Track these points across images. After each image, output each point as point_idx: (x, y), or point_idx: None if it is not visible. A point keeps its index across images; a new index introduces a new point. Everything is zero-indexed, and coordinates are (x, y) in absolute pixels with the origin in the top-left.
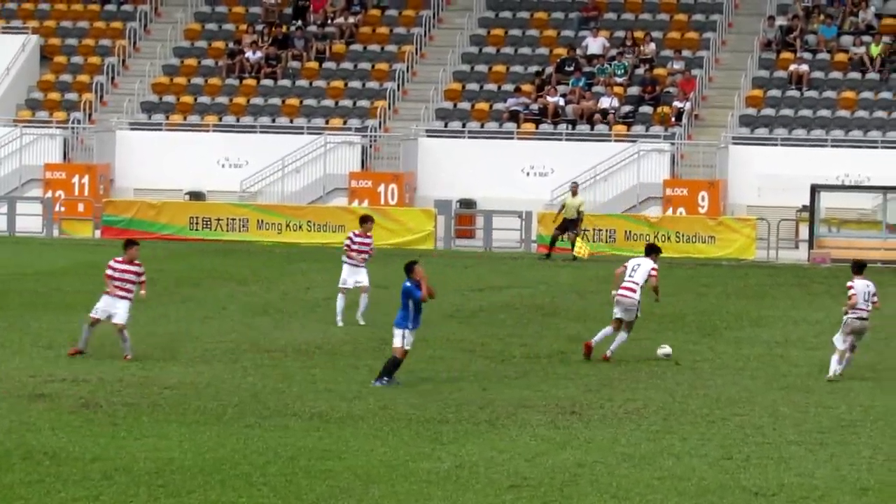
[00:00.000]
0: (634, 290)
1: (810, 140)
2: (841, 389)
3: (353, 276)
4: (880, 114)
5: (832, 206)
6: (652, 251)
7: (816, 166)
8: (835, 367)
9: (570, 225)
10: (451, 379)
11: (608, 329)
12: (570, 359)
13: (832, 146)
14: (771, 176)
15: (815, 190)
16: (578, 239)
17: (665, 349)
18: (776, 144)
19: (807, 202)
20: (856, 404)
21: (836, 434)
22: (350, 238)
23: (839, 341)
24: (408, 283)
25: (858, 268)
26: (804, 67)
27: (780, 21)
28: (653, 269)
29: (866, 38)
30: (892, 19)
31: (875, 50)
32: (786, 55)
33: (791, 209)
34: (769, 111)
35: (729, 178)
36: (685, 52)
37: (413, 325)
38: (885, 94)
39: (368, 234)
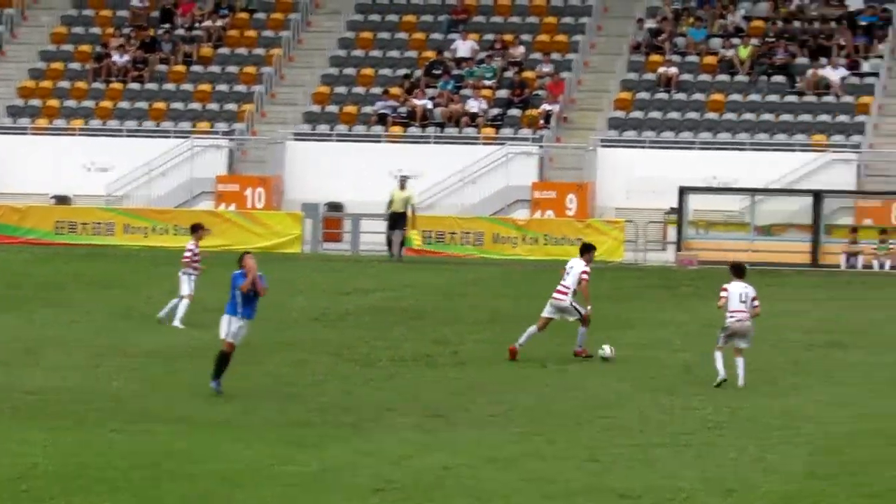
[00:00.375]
0: (565, 293)
1: (679, 142)
2: (708, 391)
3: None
4: (749, 116)
5: (700, 208)
6: (585, 251)
7: (685, 168)
8: (719, 368)
9: (398, 219)
10: (316, 382)
11: (533, 328)
12: (437, 361)
13: (700, 148)
14: (639, 178)
15: (683, 192)
16: (414, 232)
17: (605, 351)
18: (644, 147)
19: (675, 204)
20: (722, 406)
21: (703, 436)
22: (192, 250)
23: (719, 339)
24: (236, 272)
25: (736, 271)
26: (673, 70)
27: (650, 24)
28: (584, 272)
29: (735, 41)
30: (761, 21)
31: (744, 52)
32: (655, 58)
33: (659, 211)
34: (638, 114)
35: (597, 180)
36: (554, 55)
37: (242, 313)
38: (754, 97)
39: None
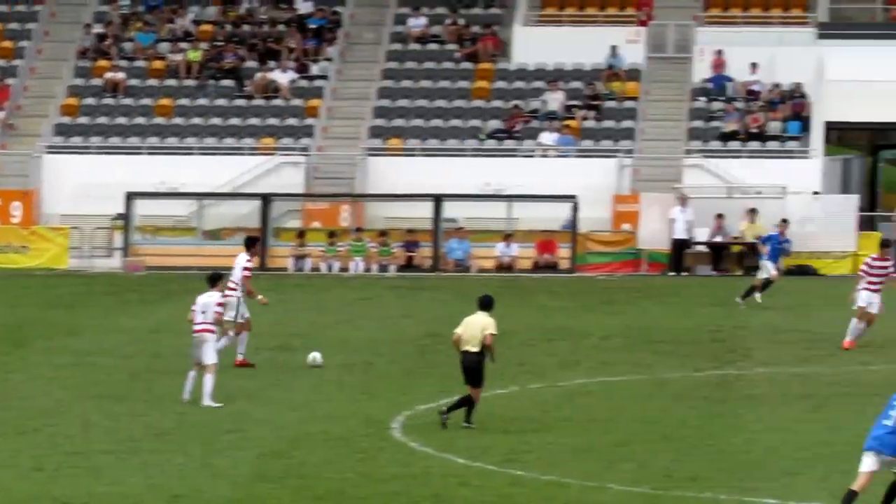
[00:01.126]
0: (233, 289)
1: (126, 148)
2: (154, 397)
3: None
4: (197, 120)
5: (148, 213)
6: (249, 244)
7: (133, 174)
8: (185, 392)
9: None
10: None
11: (243, 335)
12: None
13: (148, 153)
14: (86, 184)
15: (129, 197)
16: None
17: (314, 359)
18: (91, 153)
19: (122, 210)
20: (169, 412)
21: (149, 442)
22: None
23: (190, 355)
24: None
25: (210, 281)
26: (121, 75)
27: (98, 29)
28: (244, 268)
29: (184, 45)
30: (210, 25)
31: (194, 55)
32: (102, 63)
33: (106, 217)
34: (85, 119)
35: (43, 187)
36: (0, 62)
37: None
38: (203, 101)
39: None
